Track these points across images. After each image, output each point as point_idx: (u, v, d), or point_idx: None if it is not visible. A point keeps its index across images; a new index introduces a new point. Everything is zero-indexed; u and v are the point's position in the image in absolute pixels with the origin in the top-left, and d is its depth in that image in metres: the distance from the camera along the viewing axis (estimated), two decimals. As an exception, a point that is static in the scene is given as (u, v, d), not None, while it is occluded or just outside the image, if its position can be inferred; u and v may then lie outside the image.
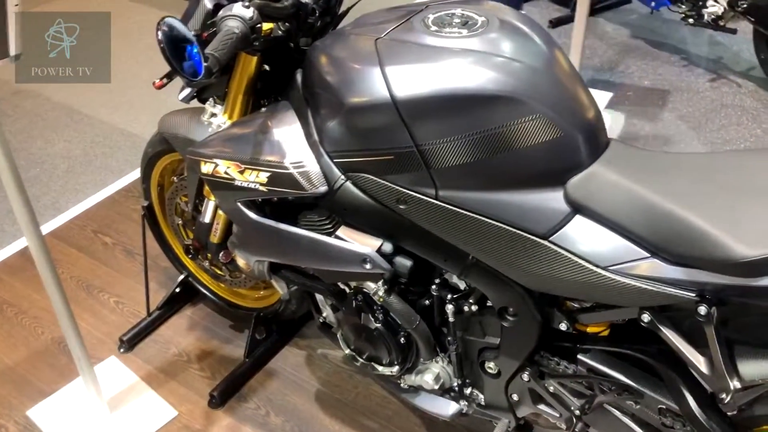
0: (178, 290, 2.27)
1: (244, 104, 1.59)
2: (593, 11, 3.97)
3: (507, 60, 1.24)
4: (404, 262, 1.42)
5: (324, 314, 1.82)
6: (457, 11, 1.35)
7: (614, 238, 1.22)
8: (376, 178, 1.33)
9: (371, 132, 1.29)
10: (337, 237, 1.43)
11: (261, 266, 1.61)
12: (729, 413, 1.23)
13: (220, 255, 1.89)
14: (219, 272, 2.11)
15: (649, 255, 1.19)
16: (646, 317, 1.24)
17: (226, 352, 2.18)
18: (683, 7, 3.42)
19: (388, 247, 1.41)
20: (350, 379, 2.07)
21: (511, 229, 1.27)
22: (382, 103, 1.25)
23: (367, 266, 1.39)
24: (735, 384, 1.15)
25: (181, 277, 2.27)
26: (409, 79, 1.24)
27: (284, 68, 1.54)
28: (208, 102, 1.66)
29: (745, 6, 3.19)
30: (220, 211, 1.81)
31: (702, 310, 1.14)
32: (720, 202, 1.17)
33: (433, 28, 1.31)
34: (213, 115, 1.65)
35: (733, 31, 3.31)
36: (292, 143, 1.41)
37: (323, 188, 1.37)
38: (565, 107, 1.26)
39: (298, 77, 1.48)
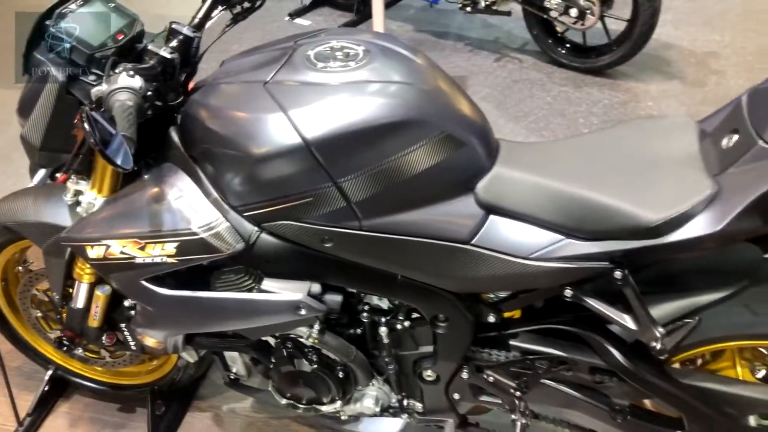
0: (47, 388, 2.03)
1: (116, 176, 1.46)
2: (373, 11, 4.14)
3: (403, 85, 1.29)
4: (335, 298, 1.41)
5: (234, 369, 1.75)
6: (333, 44, 1.36)
7: (529, 229, 1.32)
8: (295, 223, 1.30)
9: (286, 179, 1.26)
10: (262, 291, 1.38)
11: (175, 340, 1.50)
12: (662, 357, 1.39)
13: (103, 338, 1.73)
14: (93, 356, 1.93)
15: (563, 237, 1.30)
16: (568, 292, 1.36)
17: (124, 439, 2.00)
18: (459, -3, 3.70)
19: (316, 288, 1.39)
20: (267, 427, 2.00)
21: (435, 241, 1.32)
22: (296, 148, 1.23)
23: (302, 312, 1.36)
24: (660, 330, 1.31)
25: (49, 372, 2.03)
26: (317, 120, 1.23)
27: (154, 129, 1.44)
28: (69, 180, 1.50)
29: (512, -11, 3.55)
30: (97, 292, 1.65)
31: (618, 274, 1.28)
32: (614, 177, 1.31)
33: (320, 64, 1.31)
34: (78, 192, 1.50)
35: (508, 14, 3.66)
36: (193, 206, 1.33)
37: (240, 245, 1.32)
38: (462, 119, 1.33)
39: (174, 136, 1.40)
